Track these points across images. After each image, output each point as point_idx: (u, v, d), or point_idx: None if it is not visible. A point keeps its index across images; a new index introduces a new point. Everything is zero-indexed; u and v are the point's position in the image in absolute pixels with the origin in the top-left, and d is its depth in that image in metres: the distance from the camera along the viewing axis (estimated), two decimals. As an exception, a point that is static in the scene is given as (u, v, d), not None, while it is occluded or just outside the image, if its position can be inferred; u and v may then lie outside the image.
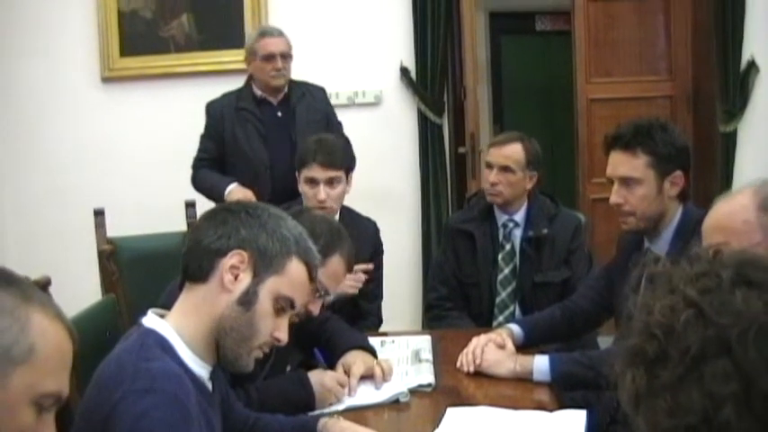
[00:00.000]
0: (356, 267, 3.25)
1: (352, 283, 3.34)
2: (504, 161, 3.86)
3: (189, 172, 4.78)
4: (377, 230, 3.92)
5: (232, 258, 2.00)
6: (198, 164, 4.70)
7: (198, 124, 4.77)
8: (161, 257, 3.87)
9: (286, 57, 4.58)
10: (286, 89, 4.61)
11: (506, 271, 3.94)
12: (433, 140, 5.77)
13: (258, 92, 4.62)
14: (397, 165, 5.86)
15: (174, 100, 5.71)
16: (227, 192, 4.43)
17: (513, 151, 3.88)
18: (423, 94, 5.73)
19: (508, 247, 3.96)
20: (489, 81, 9.26)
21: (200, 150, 4.71)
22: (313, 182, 3.61)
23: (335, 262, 2.78)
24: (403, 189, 5.89)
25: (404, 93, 5.80)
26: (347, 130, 4.82)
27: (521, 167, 3.86)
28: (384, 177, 5.73)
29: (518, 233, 3.96)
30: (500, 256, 3.95)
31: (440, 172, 5.81)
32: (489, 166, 3.91)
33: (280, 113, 4.62)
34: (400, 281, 5.71)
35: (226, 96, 4.68)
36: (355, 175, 3.86)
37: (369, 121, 5.53)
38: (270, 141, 4.55)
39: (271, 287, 1.99)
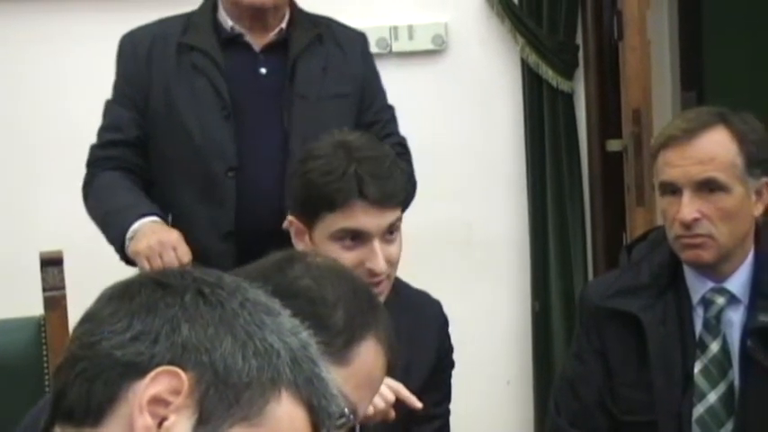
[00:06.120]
0: (396, 388, 2.57)
1: (387, 395, 2.58)
2: (701, 170, 3.03)
3: (75, 180, 3.50)
4: (443, 316, 3.07)
5: (157, 383, 1.44)
6: (96, 159, 3.39)
7: (104, 85, 3.41)
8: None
9: None
10: (283, 23, 3.37)
11: (712, 398, 3.08)
12: (554, 126, 4.67)
13: (227, 21, 3.36)
14: (479, 179, 4.63)
15: (64, 36, 4.26)
16: (129, 232, 3.17)
17: (714, 145, 3.07)
18: (532, 30, 4.55)
19: (715, 347, 3.09)
20: (674, 6, 7.55)
21: (102, 130, 3.38)
22: (358, 237, 2.75)
23: (369, 352, 1.99)
24: (491, 228, 4.66)
25: (492, 30, 4.52)
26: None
27: (736, 175, 3.04)
28: (453, 208, 4.30)
29: (735, 319, 3.04)
30: (697, 368, 3.07)
31: (568, 191, 4.70)
32: (669, 187, 3.03)
33: (264, 69, 3.35)
34: (489, 407, 4.43)
35: (160, 25, 3.45)
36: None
37: (420, 90, 4.32)
38: (241, 119, 3.33)
39: None
